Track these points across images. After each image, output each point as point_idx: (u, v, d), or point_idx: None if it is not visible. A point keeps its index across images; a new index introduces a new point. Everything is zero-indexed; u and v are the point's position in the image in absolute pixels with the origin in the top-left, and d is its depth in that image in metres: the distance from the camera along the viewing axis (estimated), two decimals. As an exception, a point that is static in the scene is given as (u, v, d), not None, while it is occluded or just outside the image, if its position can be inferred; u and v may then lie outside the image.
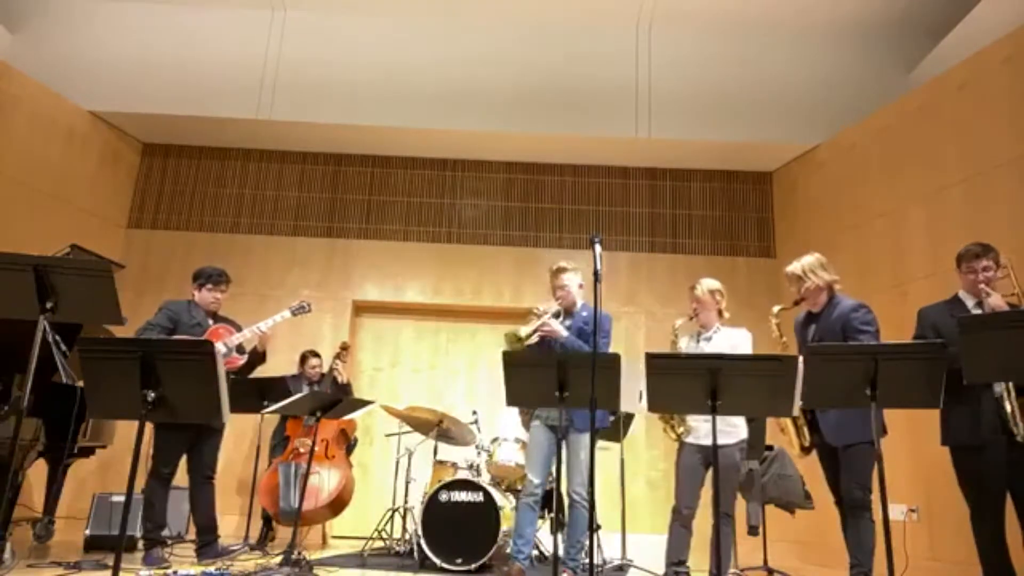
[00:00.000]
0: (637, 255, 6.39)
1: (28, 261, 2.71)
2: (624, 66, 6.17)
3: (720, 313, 3.54)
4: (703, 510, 3.38)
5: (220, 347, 4.02)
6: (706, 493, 3.33)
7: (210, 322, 4.16)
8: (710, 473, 3.31)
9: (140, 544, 4.04)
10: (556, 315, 3.68)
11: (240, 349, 4.17)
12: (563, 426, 3.48)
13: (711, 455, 3.14)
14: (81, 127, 5.95)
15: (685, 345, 3.63)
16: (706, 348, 3.50)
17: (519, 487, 4.50)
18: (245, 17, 6.24)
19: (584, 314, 3.78)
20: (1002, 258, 3.20)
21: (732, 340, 3.47)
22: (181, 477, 5.55)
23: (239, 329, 4.22)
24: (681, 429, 3.48)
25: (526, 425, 3.96)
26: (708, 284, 3.56)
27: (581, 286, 3.83)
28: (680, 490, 3.44)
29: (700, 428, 3.40)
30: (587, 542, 3.38)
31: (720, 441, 3.21)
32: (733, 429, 3.38)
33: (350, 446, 5.27)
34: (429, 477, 4.68)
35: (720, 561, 2.95)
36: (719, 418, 3.09)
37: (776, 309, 3.50)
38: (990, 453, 3.05)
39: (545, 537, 4.65)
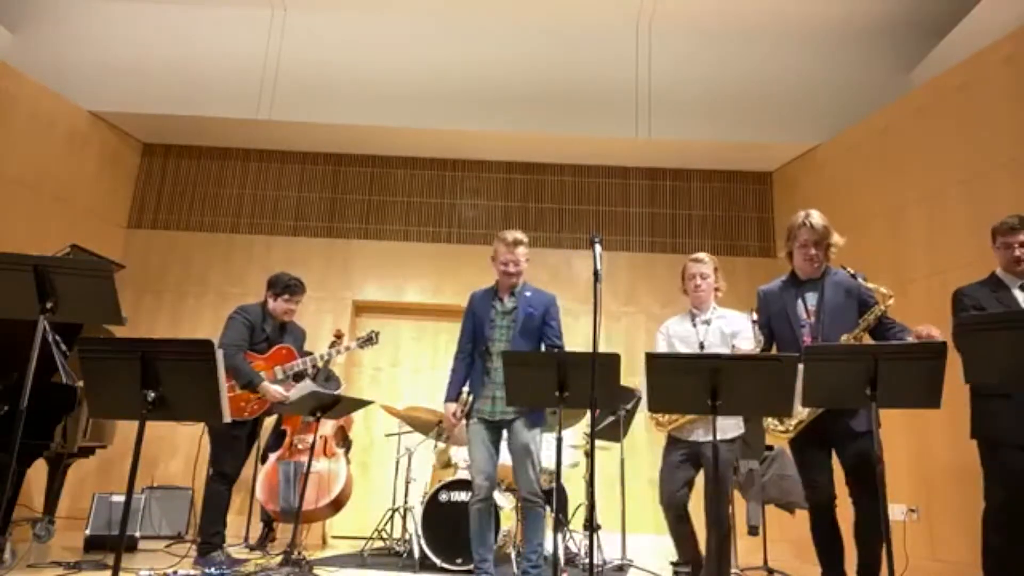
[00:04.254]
0: (637, 255, 6.39)
1: (28, 261, 2.70)
2: (624, 66, 6.17)
3: (716, 291, 3.35)
4: (697, 518, 3.24)
5: (277, 372, 4.07)
6: (699, 499, 3.20)
7: (278, 335, 4.17)
8: (699, 477, 3.22)
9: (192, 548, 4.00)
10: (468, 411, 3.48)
11: (298, 377, 4.17)
12: (505, 419, 3.39)
13: (699, 452, 3.16)
14: (81, 127, 5.95)
15: (677, 327, 3.40)
16: (705, 332, 3.31)
17: (517, 486, 4.49)
18: (245, 17, 6.24)
19: (528, 294, 3.52)
20: None
21: (735, 324, 3.28)
22: (180, 476, 5.58)
23: (299, 351, 4.24)
24: (672, 426, 3.27)
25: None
26: (712, 258, 3.35)
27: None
28: (666, 481, 3.26)
29: (696, 427, 3.23)
30: (547, 545, 3.32)
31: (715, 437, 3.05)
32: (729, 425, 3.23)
33: (347, 446, 5.27)
34: (429, 477, 4.68)
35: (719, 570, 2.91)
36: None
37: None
38: None
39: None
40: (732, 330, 3.29)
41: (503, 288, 3.57)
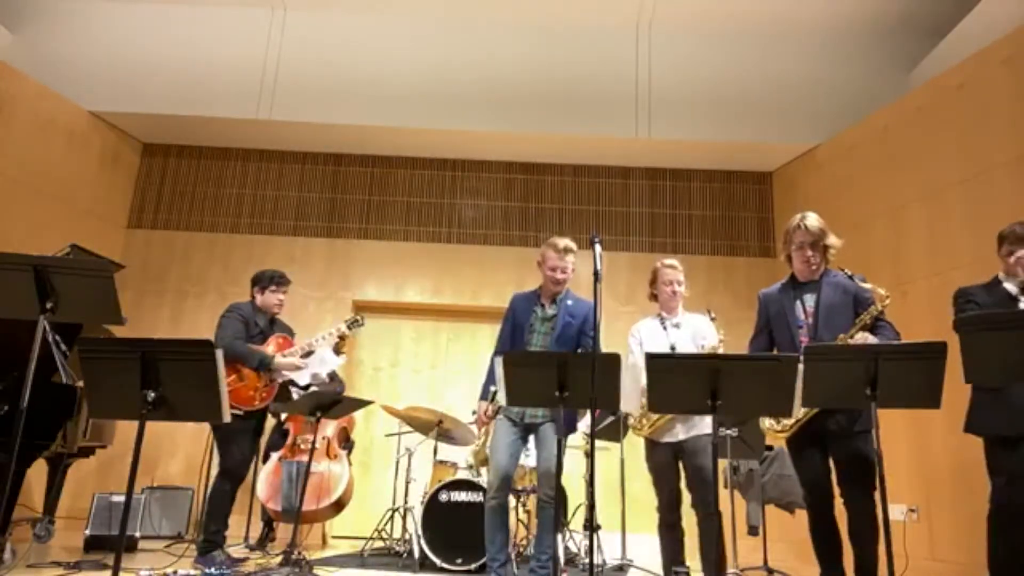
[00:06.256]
0: (637, 255, 6.38)
1: (28, 261, 2.70)
2: (624, 66, 6.17)
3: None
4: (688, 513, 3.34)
5: (279, 359, 4.10)
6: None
7: (269, 329, 4.20)
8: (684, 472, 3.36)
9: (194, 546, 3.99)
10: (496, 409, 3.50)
11: (306, 356, 4.20)
12: (535, 423, 3.42)
13: (678, 450, 3.31)
14: (81, 127, 5.95)
15: (647, 330, 3.52)
16: (676, 334, 3.43)
17: (519, 487, 4.50)
18: (245, 17, 6.24)
19: (569, 303, 3.56)
20: None
21: (702, 328, 3.47)
22: (180, 476, 5.58)
23: (293, 337, 4.28)
24: (651, 429, 3.38)
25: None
26: (680, 266, 3.52)
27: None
28: (659, 487, 3.40)
29: (674, 426, 3.35)
30: (558, 544, 3.35)
31: (693, 433, 3.30)
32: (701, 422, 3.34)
33: (348, 447, 5.26)
34: (429, 477, 4.68)
35: (717, 561, 2.93)
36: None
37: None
38: None
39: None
40: (703, 332, 3.44)
41: (546, 294, 3.59)
